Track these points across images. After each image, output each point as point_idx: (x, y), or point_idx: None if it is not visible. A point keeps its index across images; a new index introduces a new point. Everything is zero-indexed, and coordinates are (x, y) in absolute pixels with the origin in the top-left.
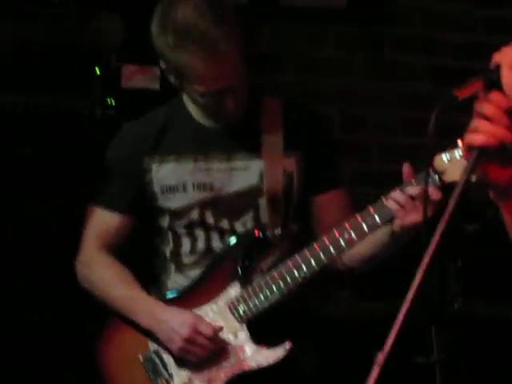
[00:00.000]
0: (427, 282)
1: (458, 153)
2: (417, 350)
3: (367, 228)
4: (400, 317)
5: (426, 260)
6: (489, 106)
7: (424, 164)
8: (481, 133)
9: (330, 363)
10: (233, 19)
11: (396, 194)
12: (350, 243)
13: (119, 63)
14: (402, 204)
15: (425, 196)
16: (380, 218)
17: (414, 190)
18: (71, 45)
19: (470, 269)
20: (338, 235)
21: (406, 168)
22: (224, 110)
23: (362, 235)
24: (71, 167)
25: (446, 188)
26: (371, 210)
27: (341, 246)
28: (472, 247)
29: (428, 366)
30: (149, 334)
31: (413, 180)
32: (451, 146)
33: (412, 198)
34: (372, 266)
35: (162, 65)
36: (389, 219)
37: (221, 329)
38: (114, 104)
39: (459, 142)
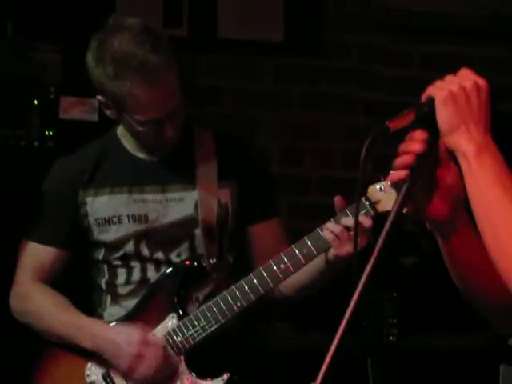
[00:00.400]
0: (364, 314)
1: (390, 183)
2: (354, 381)
3: (303, 258)
4: (332, 347)
5: (357, 291)
6: (410, 143)
7: (356, 194)
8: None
9: None
10: (170, 48)
11: (331, 225)
12: (287, 273)
13: (57, 95)
14: (337, 234)
15: (355, 226)
16: (315, 248)
17: (348, 220)
18: (9, 76)
19: (406, 300)
20: (274, 266)
21: (338, 200)
22: (163, 139)
23: (298, 265)
24: (8, 200)
25: (381, 218)
26: (306, 240)
27: (277, 276)
28: (408, 279)
29: None
30: (92, 358)
31: (347, 211)
32: (385, 176)
33: (347, 228)
34: (308, 293)
35: (100, 97)
36: (324, 249)
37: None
38: (52, 135)
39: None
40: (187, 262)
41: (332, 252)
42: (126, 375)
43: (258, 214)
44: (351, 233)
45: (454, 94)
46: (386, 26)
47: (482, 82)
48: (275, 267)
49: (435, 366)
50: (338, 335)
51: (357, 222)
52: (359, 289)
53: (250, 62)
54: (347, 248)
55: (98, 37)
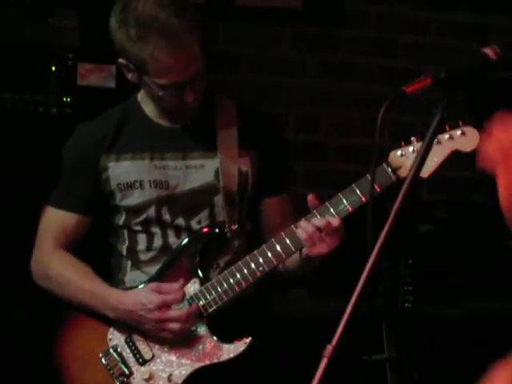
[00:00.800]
0: (379, 280)
1: (412, 148)
2: (368, 347)
3: (282, 251)
4: (347, 311)
5: (371, 258)
6: None
7: (373, 158)
8: None
9: (285, 361)
10: (193, 13)
11: (304, 224)
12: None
13: (75, 61)
14: (309, 234)
15: (371, 197)
16: (292, 245)
17: (318, 221)
18: (27, 42)
19: (421, 267)
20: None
21: (311, 198)
22: (183, 105)
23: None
24: (27, 165)
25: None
26: (283, 235)
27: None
28: (424, 247)
29: (379, 364)
30: (113, 326)
31: (315, 212)
32: (405, 142)
33: (318, 229)
34: (293, 278)
35: (122, 60)
36: (301, 247)
37: (182, 287)
38: (69, 102)
39: (413, 139)
40: (210, 228)
41: (304, 251)
42: (148, 342)
43: (271, 187)
44: (323, 234)
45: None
46: None
47: None
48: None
49: (450, 334)
50: (352, 300)
51: (372, 188)
52: (373, 256)
53: (267, 30)
54: (318, 248)
55: (121, 0)
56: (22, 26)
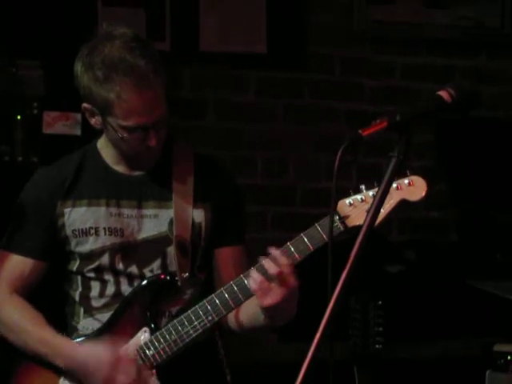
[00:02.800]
0: (349, 322)
1: (360, 197)
2: None
3: (231, 301)
4: (309, 353)
5: (332, 300)
6: None
7: (332, 203)
8: None
9: None
10: (158, 57)
11: (254, 274)
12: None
13: (40, 110)
14: (258, 284)
15: (330, 237)
16: (241, 294)
17: (270, 268)
18: None
19: (392, 308)
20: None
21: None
22: (146, 149)
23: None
24: None
25: (349, 232)
26: (232, 284)
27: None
28: (394, 287)
29: None
30: (65, 375)
31: (264, 261)
32: (354, 190)
33: (269, 278)
34: (253, 334)
35: (86, 105)
36: (249, 296)
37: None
38: (35, 150)
39: (362, 187)
40: (161, 277)
41: (256, 302)
42: None
43: (226, 238)
44: (272, 284)
45: None
46: (367, 38)
47: None
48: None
49: (421, 373)
50: (314, 343)
51: (331, 231)
52: (333, 300)
53: (233, 75)
54: (269, 299)
55: (88, 45)
56: None
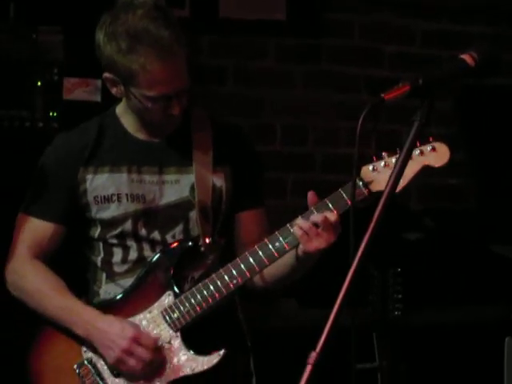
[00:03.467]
0: (369, 289)
1: (383, 163)
2: (359, 356)
3: (276, 252)
4: (330, 318)
5: (353, 266)
6: None
7: (354, 168)
8: None
9: (272, 369)
10: (179, 25)
11: (300, 221)
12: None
13: (60, 76)
14: (305, 231)
15: (352, 206)
16: (286, 242)
17: (316, 217)
18: (12, 58)
19: (411, 275)
20: (270, 245)
21: (311, 195)
22: (169, 117)
23: (271, 259)
24: (13, 180)
25: (372, 198)
26: (278, 235)
27: (273, 254)
28: (412, 255)
29: (371, 372)
30: (85, 342)
31: (313, 208)
32: (377, 157)
33: (315, 224)
34: (282, 286)
35: (108, 74)
36: (295, 245)
37: (158, 340)
38: (56, 116)
39: (384, 154)
40: (183, 242)
41: (300, 248)
42: (112, 366)
43: (246, 201)
44: (319, 229)
45: None
46: (386, 4)
47: None
48: (270, 246)
49: (440, 340)
50: (335, 308)
51: (354, 196)
52: (354, 265)
53: (252, 42)
54: (315, 244)
55: (110, 13)
56: (7, 42)
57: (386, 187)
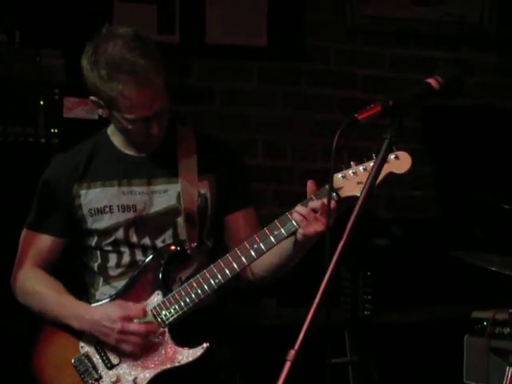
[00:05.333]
0: (341, 291)
1: (351, 171)
2: (332, 352)
3: (274, 239)
4: (308, 318)
5: (330, 267)
6: None
7: (330, 178)
8: None
9: (251, 365)
10: (157, 53)
11: (299, 208)
12: (259, 253)
13: (61, 96)
14: (304, 215)
15: (328, 209)
16: (285, 230)
17: (314, 203)
18: (18, 79)
19: (379, 278)
20: (248, 246)
21: (311, 184)
22: (150, 136)
23: (269, 245)
24: (16, 191)
25: (342, 202)
26: (277, 223)
27: (251, 255)
28: (381, 259)
29: (342, 367)
30: (82, 337)
31: (313, 196)
32: (346, 166)
33: (313, 210)
34: (280, 274)
35: (93, 98)
36: (293, 231)
37: (145, 306)
38: (57, 132)
39: (352, 163)
40: (171, 247)
41: (300, 231)
42: (115, 348)
43: (233, 204)
44: (318, 214)
45: None
46: (359, 32)
47: None
48: (249, 247)
49: (406, 338)
50: (312, 308)
51: (329, 205)
52: (331, 267)
53: (236, 65)
54: (314, 227)
55: (92, 43)
56: (13, 65)
57: (360, 197)
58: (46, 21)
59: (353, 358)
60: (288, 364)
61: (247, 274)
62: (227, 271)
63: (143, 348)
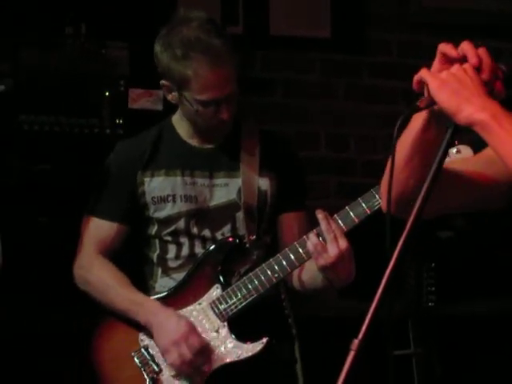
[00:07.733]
0: (404, 282)
1: (455, 150)
2: (396, 343)
3: (295, 259)
4: (371, 308)
5: (392, 260)
6: None
7: (390, 168)
8: None
9: (308, 356)
10: (230, 38)
11: (311, 236)
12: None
13: (126, 87)
14: (314, 245)
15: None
16: (304, 253)
17: (314, 239)
18: (83, 72)
19: (443, 270)
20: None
21: (319, 213)
22: (218, 122)
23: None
24: (83, 182)
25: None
26: (296, 245)
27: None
28: (445, 251)
29: (406, 358)
30: (142, 330)
31: (314, 231)
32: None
33: (323, 240)
34: (312, 294)
35: (164, 81)
36: (309, 256)
37: (207, 344)
38: (121, 123)
39: None
40: (231, 239)
41: (314, 262)
42: (161, 353)
43: (288, 204)
44: (326, 246)
45: (444, 79)
46: (422, 24)
47: (472, 60)
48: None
49: (470, 329)
50: (376, 298)
51: (390, 195)
52: (392, 261)
53: (299, 57)
54: (323, 260)
55: (166, 26)
56: (79, 57)
57: (422, 191)
58: (111, 13)
59: (416, 350)
60: (352, 353)
61: (288, 280)
62: (287, 267)
63: (183, 369)
